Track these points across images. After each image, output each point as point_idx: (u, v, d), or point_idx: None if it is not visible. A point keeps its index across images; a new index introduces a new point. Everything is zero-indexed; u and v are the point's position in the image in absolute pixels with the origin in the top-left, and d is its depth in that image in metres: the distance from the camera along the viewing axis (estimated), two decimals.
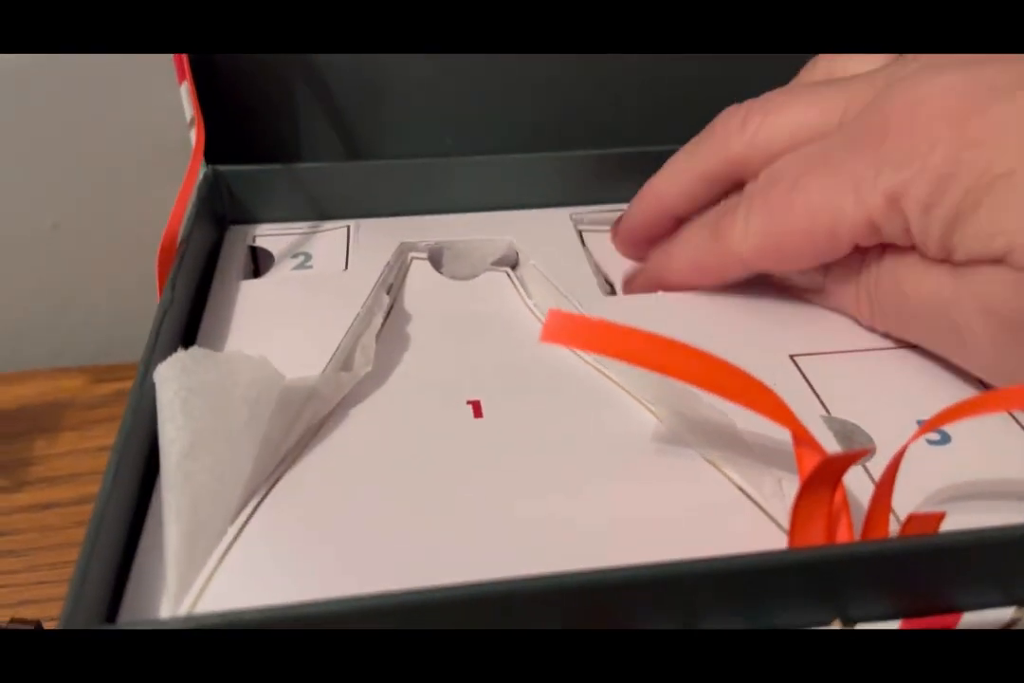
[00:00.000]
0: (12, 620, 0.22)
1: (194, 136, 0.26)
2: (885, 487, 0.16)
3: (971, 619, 0.17)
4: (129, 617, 0.16)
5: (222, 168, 0.29)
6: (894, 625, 0.16)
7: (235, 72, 0.30)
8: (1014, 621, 0.17)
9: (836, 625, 0.16)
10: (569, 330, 0.16)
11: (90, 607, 0.15)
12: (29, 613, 0.24)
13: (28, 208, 0.36)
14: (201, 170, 0.29)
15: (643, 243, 0.27)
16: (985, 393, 0.17)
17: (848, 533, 0.17)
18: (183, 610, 0.16)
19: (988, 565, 0.16)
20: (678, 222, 0.26)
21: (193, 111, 0.26)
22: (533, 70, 0.31)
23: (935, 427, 0.17)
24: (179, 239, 0.25)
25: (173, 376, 0.19)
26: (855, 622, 0.16)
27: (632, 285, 0.27)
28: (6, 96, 0.34)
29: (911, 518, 0.16)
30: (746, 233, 0.23)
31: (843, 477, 0.16)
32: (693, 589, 0.16)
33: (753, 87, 0.26)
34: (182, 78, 0.27)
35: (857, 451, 0.15)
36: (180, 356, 0.19)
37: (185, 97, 0.27)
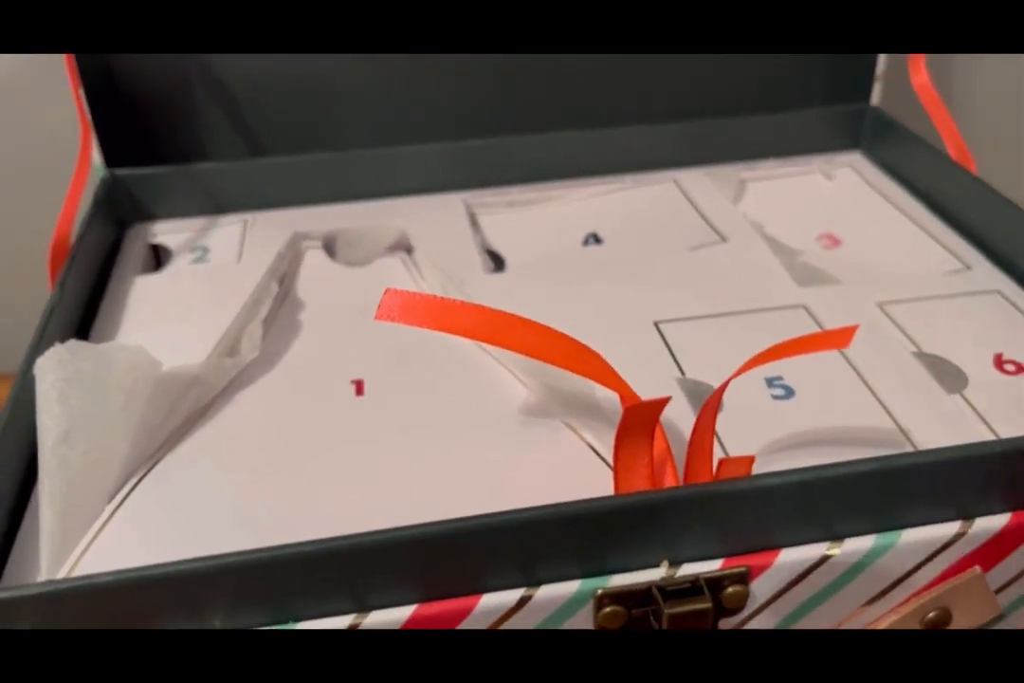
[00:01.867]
0: None
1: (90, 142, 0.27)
2: (702, 430, 0.18)
3: (789, 555, 0.18)
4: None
5: (121, 171, 0.30)
6: (715, 565, 0.18)
7: (133, 78, 0.31)
8: (829, 554, 0.18)
9: (664, 566, 0.18)
10: (404, 308, 0.18)
11: None
12: None
13: None
14: (99, 174, 0.30)
15: None
16: (804, 336, 0.18)
17: (673, 478, 0.18)
18: None
19: (802, 504, 0.18)
20: None
21: (80, 116, 0.27)
22: (425, 62, 0.32)
23: (758, 365, 0.18)
24: (72, 241, 0.26)
25: (50, 368, 0.20)
26: (681, 563, 0.18)
27: None
28: None
29: (723, 462, 0.18)
30: None
31: (657, 425, 0.17)
32: (530, 535, 0.17)
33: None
34: (76, 84, 0.28)
35: (658, 399, 0.17)
36: (57, 349, 0.20)
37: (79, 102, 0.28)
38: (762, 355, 0.17)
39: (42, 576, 0.18)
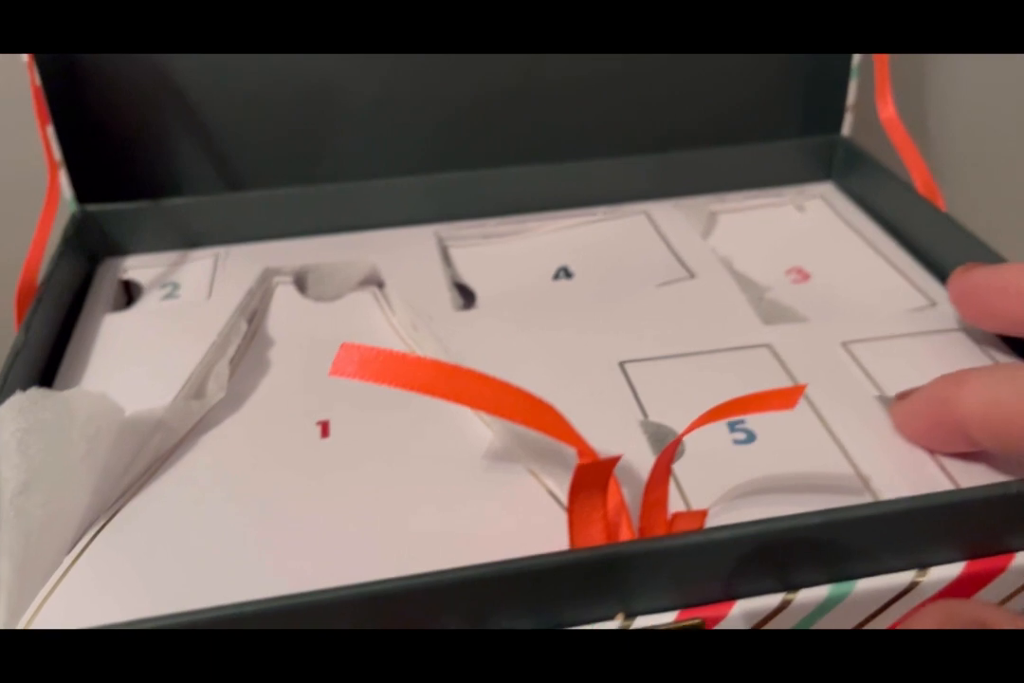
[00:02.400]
0: None
1: (60, 178, 0.27)
2: (655, 483, 0.18)
3: (744, 606, 0.18)
4: None
5: (92, 207, 0.30)
6: (670, 617, 0.18)
7: (105, 111, 0.31)
8: (785, 603, 0.18)
9: (619, 619, 0.18)
10: (358, 363, 0.18)
11: None
12: None
13: None
14: (70, 210, 0.30)
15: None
16: (750, 395, 0.18)
17: (628, 531, 0.18)
18: None
19: (756, 556, 0.18)
20: None
21: (46, 154, 0.27)
22: (398, 96, 0.32)
23: (688, 433, 0.18)
24: (40, 280, 0.26)
25: (11, 417, 0.20)
26: (635, 616, 0.18)
27: (906, 401, 0.22)
28: None
29: (676, 516, 0.18)
30: None
31: (611, 480, 0.17)
32: (483, 590, 0.17)
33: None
34: (43, 120, 0.28)
35: (610, 458, 0.17)
36: (18, 397, 0.20)
37: (47, 139, 0.28)
38: (705, 416, 0.17)
39: None
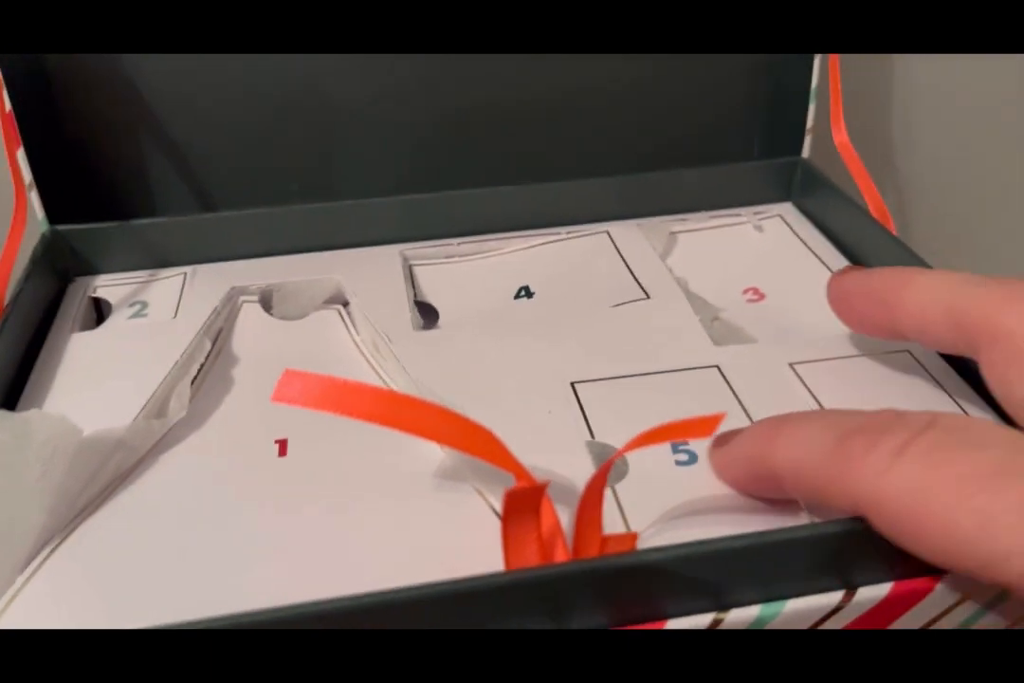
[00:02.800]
0: None
1: (30, 198, 0.28)
2: (587, 507, 0.18)
3: (675, 625, 0.18)
4: None
5: (63, 227, 0.30)
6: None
7: (78, 130, 0.31)
8: (716, 622, 0.19)
9: None
10: (299, 390, 0.18)
11: None
12: None
13: None
14: (41, 229, 0.30)
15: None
16: (671, 423, 0.19)
17: (563, 553, 0.19)
18: None
19: (686, 577, 0.18)
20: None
21: (13, 176, 0.28)
22: (364, 117, 0.33)
23: (630, 450, 0.18)
24: (6, 300, 0.26)
25: None
26: None
27: (724, 448, 0.21)
28: None
29: (608, 539, 0.18)
30: (885, 475, 0.17)
31: (544, 503, 0.18)
32: (417, 611, 0.18)
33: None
34: (14, 142, 0.29)
35: (539, 484, 0.17)
36: None
37: (18, 161, 0.28)
38: (632, 442, 0.18)
39: None
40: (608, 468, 0.18)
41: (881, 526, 0.18)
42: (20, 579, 0.20)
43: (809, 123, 0.33)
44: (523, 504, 0.17)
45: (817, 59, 0.33)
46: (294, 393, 0.18)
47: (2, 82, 0.28)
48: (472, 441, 0.18)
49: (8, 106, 0.28)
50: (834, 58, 0.31)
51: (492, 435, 0.19)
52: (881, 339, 0.24)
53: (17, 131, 0.28)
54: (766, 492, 0.21)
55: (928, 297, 0.21)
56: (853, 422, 0.18)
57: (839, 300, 0.24)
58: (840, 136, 0.30)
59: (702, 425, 0.17)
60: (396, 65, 0.32)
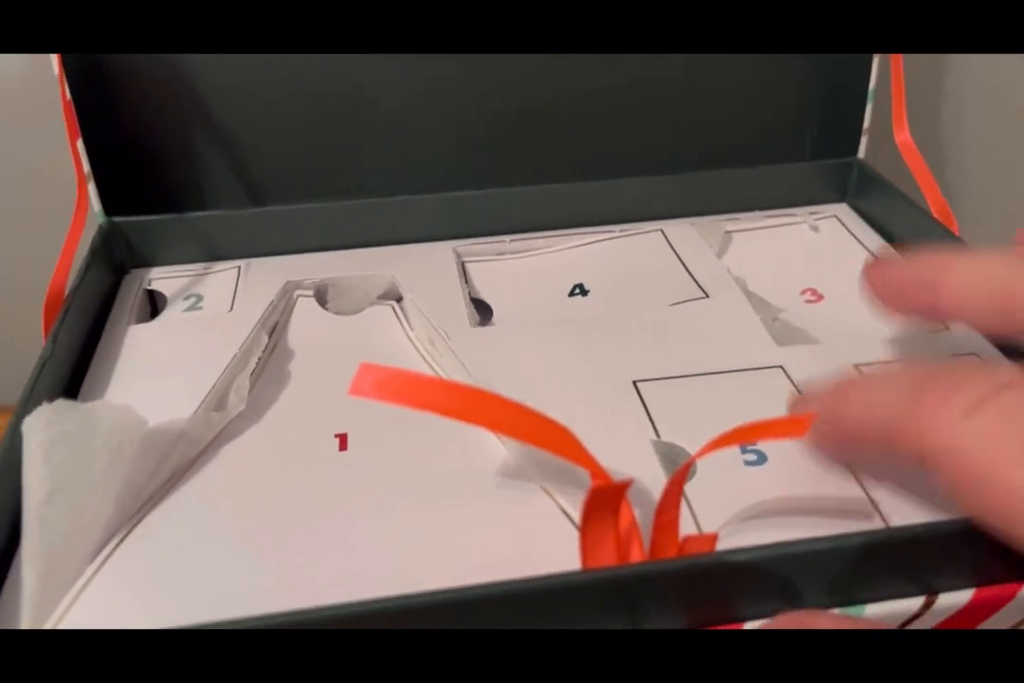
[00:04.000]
0: None
1: (89, 190, 0.28)
2: (666, 506, 0.18)
3: (752, 628, 0.18)
4: None
5: (119, 219, 0.30)
6: None
7: (135, 125, 0.31)
8: None
9: None
10: (377, 384, 0.18)
11: None
12: None
13: None
14: (98, 221, 0.30)
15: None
16: (760, 421, 0.18)
17: (639, 552, 0.18)
18: None
19: (764, 579, 0.18)
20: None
21: (76, 168, 0.28)
22: (419, 116, 0.33)
23: (696, 459, 0.18)
24: (67, 291, 0.26)
25: (37, 428, 0.20)
26: None
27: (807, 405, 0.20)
28: None
29: (687, 539, 0.18)
30: (962, 423, 0.17)
31: (622, 502, 0.18)
32: (490, 610, 0.17)
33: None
34: (74, 135, 0.29)
35: (622, 482, 0.17)
36: (44, 409, 0.21)
37: (78, 153, 0.28)
38: (717, 441, 0.18)
39: None
40: (688, 467, 0.18)
41: (947, 478, 0.17)
42: (90, 569, 0.20)
43: (866, 123, 0.33)
44: (604, 502, 0.17)
45: (876, 59, 0.32)
46: (370, 386, 0.18)
47: (63, 74, 0.28)
48: (548, 438, 0.18)
49: (69, 95, 0.28)
50: (897, 58, 0.31)
51: (568, 432, 0.18)
52: (923, 321, 0.24)
53: (77, 122, 0.29)
54: (843, 448, 0.20)
55: (972, 277, 0.21)
56: (935, 369, 0.18)
57: (881, 285, 0.24)
58: (903, 136, 0.30)
59: (795, 424, 0.17)
60: (445, 65, 0.32)
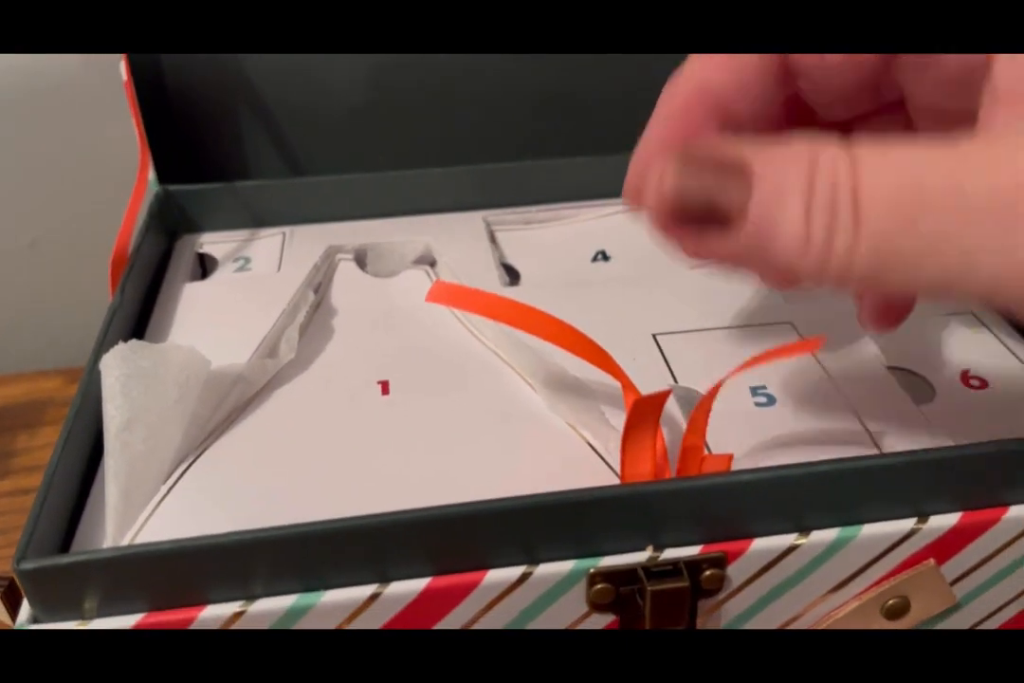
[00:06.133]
0: None
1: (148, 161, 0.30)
2: (695, 427, 0.20)
3: (762, 543, 0.20)
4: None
5: (173, 187, 0.33)
6: (695, 550, 0.20)
7: (185, 101, 0.34)
8: (797, 544, 0.20)
9: (648, 550, 0.20)
10: (450, 294, 0.21)
11: (41, 545, 0.19)
12: None
13: (9, 228, 0.40)
14: (153, 189, 0.32)
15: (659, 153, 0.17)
16: (775, 347, 0.20)
17: (667, 471, 0.20)
18: None
19: (773, 499, 0.20)
20: (722, 118, 0.19)
21: (139, 139, 0.30)
22: (451, 92, 0.35)
23: (742, 370, 0.20)
24: (129, 250, 0.29)
25: (115, 364, 0.23)
26: (664, 548, 0.20)
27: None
28: None
29: (705, 458, 0.20)
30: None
31: (659, 419, 0.20)
32: (533, 520, 0.19)
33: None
34: (133, 109, 0.31)
35: (662, 391, 0.19)
36: (120, 347, 0.23)
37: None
38: (746, 363, 0.20)
39: (107, 544, 0.20)
40: (715, 393, 0.20)
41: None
42: (163, 488, 0.22)
43: None
44: (647, 412, 0.19)
45: None
46: (444, 295, 0.21)
47: (129, 65, 0.30)
48: (588, 351, 0.21)
49: (128, 79, 0.30)
50: None
51: (602, 349, 0.21)
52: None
53: (136, 97, 0.31)
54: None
55: None
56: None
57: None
58: None
59: (808, 344, 0.19)
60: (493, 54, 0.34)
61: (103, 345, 0.24)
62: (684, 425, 0.23)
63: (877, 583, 0.21)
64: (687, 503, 0.20)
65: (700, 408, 0.20)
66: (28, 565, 0.18)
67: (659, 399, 0.19)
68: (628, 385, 0.21)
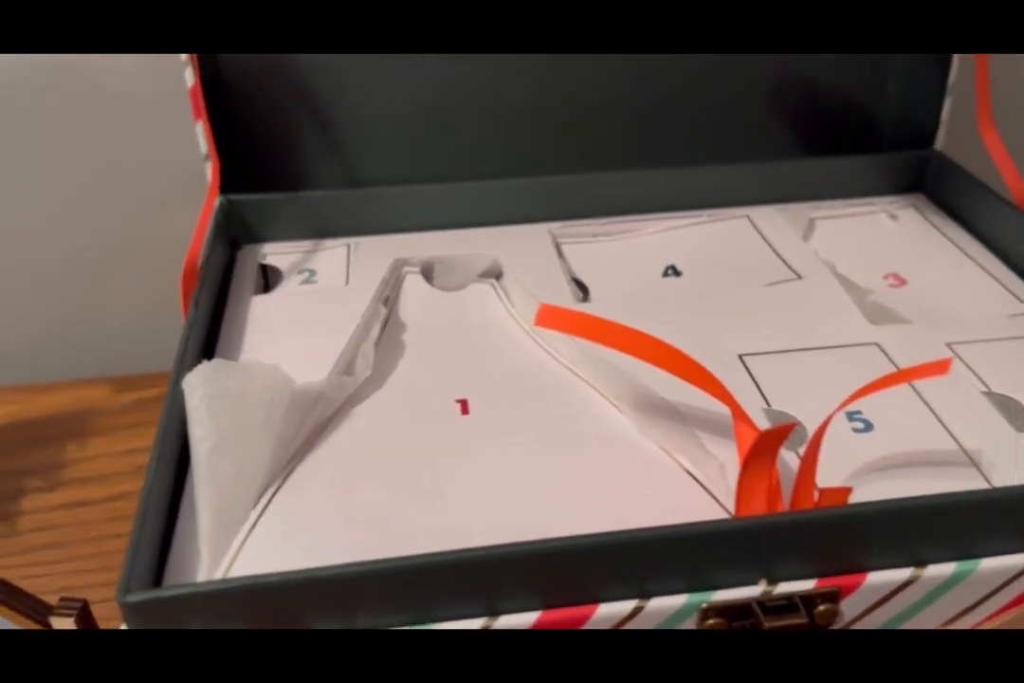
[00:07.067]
0: (61, 599, 0.25)
1: (209, 170, 0.29)
2: (809, 460, 0.20)
3: (876, 578, 0.20)
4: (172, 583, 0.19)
5: (235, 197, 0.32)
6: (810, 584, 0.19)
7: (246, 110, 0.33)
8: (913, 578, 0.20)
9: (762, 584, 0.19)
10: (556, 318, 0.21)
11: (141, 576, 0.18)
12: None
13: (59, 235, 0.40)
14: (217, 199, 0.32)
15: None
16: (888, 374, 0.20)
17: (780, 503, 0.20)
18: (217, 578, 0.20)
19: (890, 532, 0.19)
20: None
21: (208, 148, 0.29)
22: (520, 107, 0.34)
23: (849, 403, 0.20)
24: (199, 263, 0.28)
25: (199, 384, 0.22)
26: (778, 582, 0.19)
27: None
28: (38, 136, 0.38)
29: (823, 492, 0.19)
30: None
31: (778, 452, 0.19)
32: (646, 554, 0.19)
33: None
34: (198, 117, 0.30)
35: (785, 424, 0.19)
36: (204, 366, 0.22)
37: (200, 135, 0.30)
38: (866, 387, 0.19)
39: (202, 575, 0.20)
40: (828, 422, 0.20)
41: None
42: (253, 514, 0.21)
43: (945, 116, 0.34)
44: (768, 445, 0.19)
45: (956, 57, 0.34)
46: (551, 320, 0.20)
47: (198, 71, 0.29)
48: (699, 377, 0.20)
49: (196, 88, 0.29)
50: (982, 57, 0.32)
51: (713, 376, 0.20)
52: None
53: (203, 105, 0.30)
54: None
55: None
56: None
57: None
58: (988, 128, 0.31)
59: (936, 367, 0.18)
60: (545, 63, 0.34)
61: (183, 363, 0.24)
62: (783, 452, 0.22)
63: (988, 618, 0.21)
64: (803, 537, 0.19)
65: (814, 440, 0.20)
66: (134, 598, 0.17)
67: (782, 433, 0.19)
68: (739, 414, 0.20)
